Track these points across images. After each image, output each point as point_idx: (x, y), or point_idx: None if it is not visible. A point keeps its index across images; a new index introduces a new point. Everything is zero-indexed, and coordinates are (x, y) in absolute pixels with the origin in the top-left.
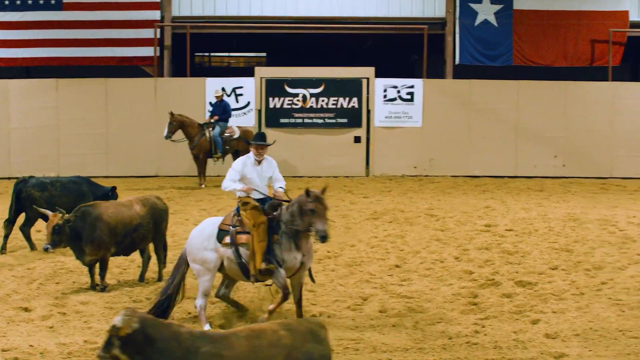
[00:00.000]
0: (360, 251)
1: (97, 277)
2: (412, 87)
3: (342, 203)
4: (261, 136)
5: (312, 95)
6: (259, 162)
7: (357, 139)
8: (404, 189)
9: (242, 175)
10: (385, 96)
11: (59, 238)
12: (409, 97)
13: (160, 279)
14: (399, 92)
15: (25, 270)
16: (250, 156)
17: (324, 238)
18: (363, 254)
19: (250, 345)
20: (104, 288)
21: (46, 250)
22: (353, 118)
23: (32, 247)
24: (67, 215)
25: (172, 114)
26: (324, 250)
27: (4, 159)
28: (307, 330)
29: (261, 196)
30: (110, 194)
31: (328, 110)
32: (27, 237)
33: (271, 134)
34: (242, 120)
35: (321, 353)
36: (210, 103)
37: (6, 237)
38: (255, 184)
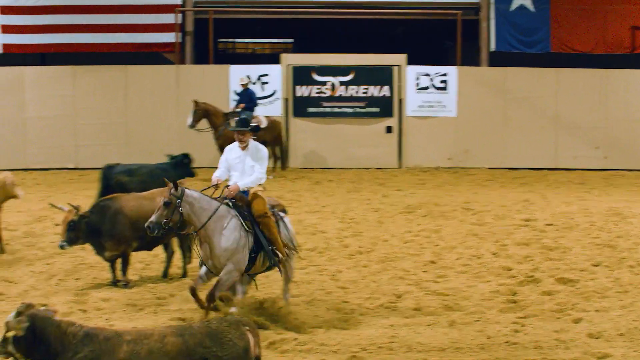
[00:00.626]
0: (394, 246)
1: (119, 273)
2: (445, 75)
3: (374, 196)
4: (241, 121)
5: (341, 83)
6: (244, 149)
7: (389, 129)
8: (439, 182)
9: (227, 162)
10: (417, 84)
11: (75, 235)
12: (442, 85)
13: (185, 274)
14: (432, 80)
15: (44, 265)
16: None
17: None
18: (397, 250)
19: (129, 352)
20: (126, 284)
21: (62, 247)
22: (384, 107)
23: None
24: (83, 210)
25: (196, 102)
26: (356, 245)
27: (19, 149)
28: (209, 334)
29: (245, 184)
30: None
31: (358, 99)
32: None
33: (299, 123)
34: (268, 110)
35: None
36: (235, 92)
37: None
38: (239, 171)
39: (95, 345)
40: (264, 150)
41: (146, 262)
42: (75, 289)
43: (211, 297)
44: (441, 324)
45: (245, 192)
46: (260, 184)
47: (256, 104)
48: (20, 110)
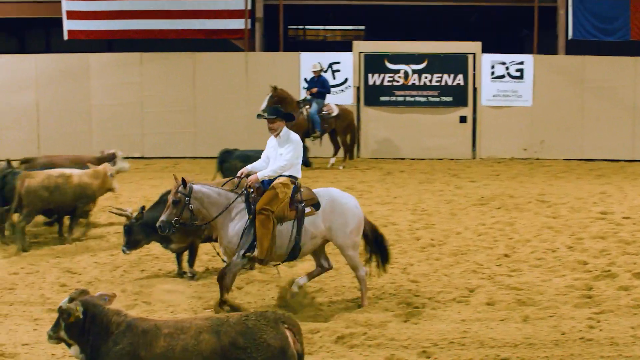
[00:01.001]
0: (467, 239)
1: (185, 265)
2: (521, 63)
3: (447, 187)
4: (269, 109)
5: (414, 71)
6: (277, 137)
7: (463, 119)
8: (513, 173)
9: (267, 152)
10: (492, 73)
11: (133, 238)
12: (518, 74)
13: (253, 267)
14: (507, 68)
15: (109, 256)
16: None
17: None
18: (469, 242)
19: (165, 347)
20: (192, 276)
21: (124, 252)
22: (458, 96)
23: None
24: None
25: (275, 87)
26: (428, 238)
27: (85, 137)
28: (244, 332)
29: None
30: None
31: (431, 87)
32: None
33: (370, 112)
34: (340, 98)
35: None
36: (306, 79)
37: None
38: (272, 160)
39: (134, 337)
40: (293, 139)
41: (212, 253)
42: (139, 281)
43: (221, 277)
44: (514, 319)
45: (269, 183)
46: (288, 174)
47: (329, 91)
48: (85, 98)
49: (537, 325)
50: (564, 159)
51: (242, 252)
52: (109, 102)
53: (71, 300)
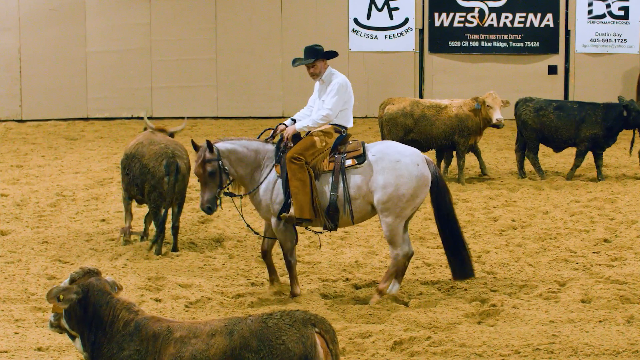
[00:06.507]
0: (556, 220)
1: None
2: (627, 0)
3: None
4: (305, 50)
5: (491, 10)
6: (322, 81)
7: (553, 69)
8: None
9: (313, 99)
10: (590, 12)
11: None
12: (621, 13)
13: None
14: (608, 6)
15: (108, 241)
16: None
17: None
18: (560, 224)
19: (174, 354)
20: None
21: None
22: (547, 41)
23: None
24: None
25: None
26: (508, 218)
27: (79, 94)
28: (260, 334)
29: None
30: None
31: (513, 30)
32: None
33: (437, 61)
34: (398, 43)
35: None
36: (356, 20)
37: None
38: (316, 107)
39: (142, 343)
40: (337, 81)
41: (237, 236)
42: (147, 272)
43: (288, 263)
44: (616, 321)
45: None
46: (328, 123)
47: None
48: (80, 43)
49: None
50: None
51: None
52: (110, 49)
53: (72, 280)
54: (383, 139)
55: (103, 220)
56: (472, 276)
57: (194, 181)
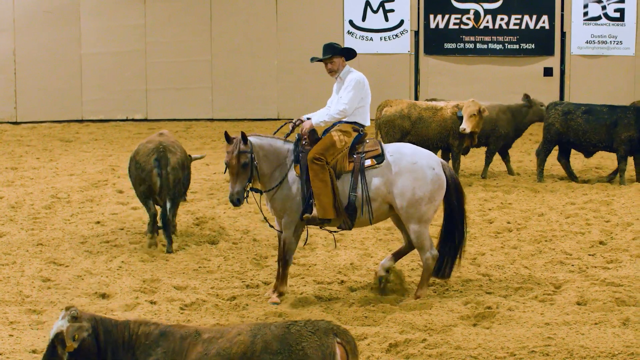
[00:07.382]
0: (552, 222)
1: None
2: (622, 1)
3: (528, 157)
4: (324, 48)
5: (487, 11)
6: (339, 79)
7: (548, 71)
8: None
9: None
10: (586, 14)
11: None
12: (617, 15)
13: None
14: (604, 8)
15: (103, 244)
16: None
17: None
18: (555, 227)
19: (201, 352)
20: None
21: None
22: (542, 43)
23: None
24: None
25: None
26: (503, 220)
27: (74, 95)
28: (282, 338)
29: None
30: None
31: (509, 32)
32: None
33: (432, 63)
34: (393, 45)
35: None
36: (351, 22)
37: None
38: (335, 101)
39: (169, 345)
40: (354, 78)
41: (233, 240)
42: (142, 274)
43: (285, 262)
44: (611, 323)
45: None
46: (352, 121)
47: None
48: (74, 45)
49: None
50: None
51: (294, 216)
52: (105, 51)
53: (74, 319)
54: None
55: (98, 222)
56: (448, 277)
57: (192, 182)
